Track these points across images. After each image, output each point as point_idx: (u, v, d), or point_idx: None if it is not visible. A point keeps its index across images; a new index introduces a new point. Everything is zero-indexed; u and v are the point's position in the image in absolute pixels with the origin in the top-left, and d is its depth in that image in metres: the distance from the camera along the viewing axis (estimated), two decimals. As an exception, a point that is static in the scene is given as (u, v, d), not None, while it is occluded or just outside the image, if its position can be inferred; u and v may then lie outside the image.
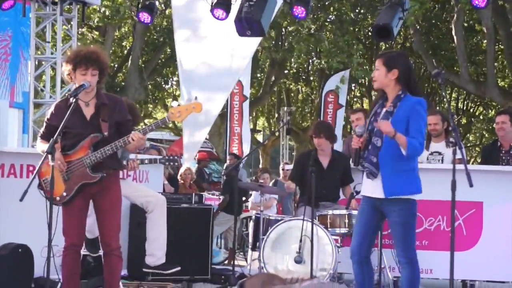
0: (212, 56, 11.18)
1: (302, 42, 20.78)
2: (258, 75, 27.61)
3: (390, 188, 5.40)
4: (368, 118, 5.65)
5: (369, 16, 22.79)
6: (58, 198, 5.54)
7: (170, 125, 32.58)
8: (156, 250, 6.73)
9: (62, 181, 5.52)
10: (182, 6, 11.30)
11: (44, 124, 5.74)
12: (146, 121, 32.29)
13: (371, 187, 5.50)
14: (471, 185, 4.95)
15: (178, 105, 5.51)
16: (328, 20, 21.04)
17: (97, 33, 22.17)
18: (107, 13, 17.98)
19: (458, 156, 5.20)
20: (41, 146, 5.61)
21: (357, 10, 23.28)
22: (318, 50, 21.36)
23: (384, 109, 5.46)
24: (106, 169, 5.59)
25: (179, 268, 6.78)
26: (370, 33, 23.82)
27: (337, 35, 20.83)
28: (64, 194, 5.54)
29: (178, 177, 12.28)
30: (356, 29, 23.57)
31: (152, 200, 6.77)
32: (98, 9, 18.64)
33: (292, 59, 23.70)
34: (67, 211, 5.58)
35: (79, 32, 20.25)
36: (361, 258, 5.55)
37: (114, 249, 5.68)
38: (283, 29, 24.52)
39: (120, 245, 5.76)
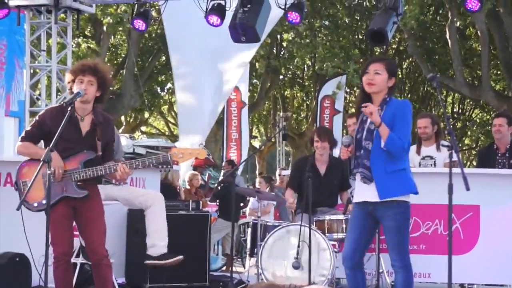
0: (208, 65, 11.17)
1: (301, 48, 20.81)
2: (254, 81, 27.64)
3: (384, 190, 5.38)
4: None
5: (365, 20, 22.86)
6: (35, 204, 5.46)
7: (167, 132, 32.66)
8: (157, 240, 6.62)
9: (43, 188, 5.40)
10: (175, 13, 11.28)
11: (34, 123, 5.63)
12: (142, 128, 32.37)
13: (365, 192, 5.46)
14: (467, 189, 4.96)
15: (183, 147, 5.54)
16: (323, 26, 21.03)
17: (93, 42, 22.17)
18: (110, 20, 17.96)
19: (454, 159, 5.22)
20: (27, 149, 5.52)
21: (354, 15, 23.35)
22: (313, 55, 21.33)
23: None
24: (88, 181, 5.54)
25: (181, 257, 6.67)
26: (365, 37, 23.89)
27: (332, 40, 20.88)
28: (43, 202, 5.41)
29: (186, 181, 12.30)
30: (351, 35, 23.60)
31: (150, 197, 6.76)
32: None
33: (291, 66, 23.67)
34: (54, 221, 5.44)
35: (75, 42, 20.26)
36: (354, 264, 5.51)
37: (102, 257, 5.62)
38: (278, 37, 24.58)
39: (107, 253, 5.70)
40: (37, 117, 5.66)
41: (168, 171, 6.99)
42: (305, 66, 26.84)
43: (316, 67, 22.31)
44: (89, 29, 22.72)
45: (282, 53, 25.08)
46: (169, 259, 6.57)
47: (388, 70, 5.44)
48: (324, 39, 21.72)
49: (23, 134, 5.68)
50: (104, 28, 19.62)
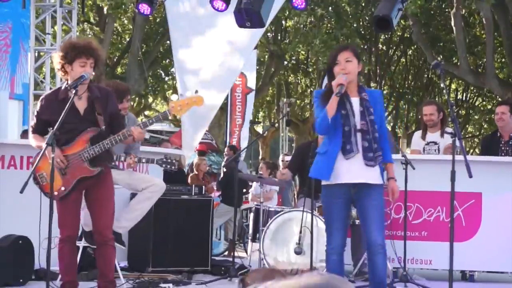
0: (212, 51, 11.15)
1: (299, 36, 20.76)
2: (257, 67, 27.63)
3: (382, 172, 5.41)
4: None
5: (370, 7, 22.79)
6: (56, 193, 5.49)
7: (170, 117, 32.70)
8: (123, 219, 6.55)
9: (60, 176, 5.48)
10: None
11: (34, 117, 5.68)
12: (146, 112, 32.37)
13: (364, 174, 5.33)
14: (470, 176, 4.98)
15: (178, 98, 5.51)
16: (326, 14, 20.94)
17: (97, 28, 22.14)
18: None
19: (457, 144, 5.22)
20: (35, 141, 5.58)
21: (359, 2, 23.27)
22: (310, 47, 21.21)
23: (356, 99, 5.40)
24: (101, 162, 5.57)
25: (123, 248, 6.69)
26: (369, 25, 23.84)
27: (335, 28, 20.84)
28: (62, 188, 5.50)
29: (193, 167, 12.33)
30: (355, 22, 23.56)
31: (153, 184, 6.78)
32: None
33: (289, 53, 23.59)
34: (62, 204, 5.54)
35: (80, 28, 20.22)
36: (342, 251, 5.49)
37: (108, 239, 5.66)
38: (283, 22, 24.52)
39: (113, 236, 5.75)
40: (35, 111, 5.70)
41: (175, 169, 6.95)
42: (310, 53, 26.78)
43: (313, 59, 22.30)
44: (93, 15, 22.69)
45: (283, 39, 24.95)
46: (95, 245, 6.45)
47: (356, 55, 5.43)
48: (326, 27, 21.65)
49: (31, 125, 5.76)
50: (105, 10, 19.49)
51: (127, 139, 5.54)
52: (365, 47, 26.18)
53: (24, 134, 11.07)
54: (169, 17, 11.45)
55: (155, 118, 5.67)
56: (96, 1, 18.97)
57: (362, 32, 25.31)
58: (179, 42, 11.36)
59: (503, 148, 8.07)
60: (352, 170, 5.33)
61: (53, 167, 5.23)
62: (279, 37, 25.55)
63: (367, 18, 24.06)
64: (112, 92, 5.75)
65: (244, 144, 19.35)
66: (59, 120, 5.25)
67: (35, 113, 5.67)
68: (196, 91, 5.64)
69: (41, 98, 5.70)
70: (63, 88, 5.56)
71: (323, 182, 5.47)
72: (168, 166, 6.57)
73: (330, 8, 20.58)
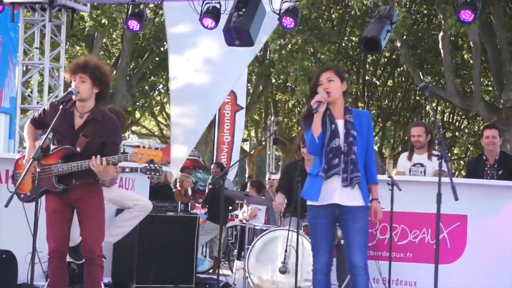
0: (203, 70, 11.19)
1: (283, 60, 20.76)
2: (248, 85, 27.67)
3: (366, 194, 5.44)
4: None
5: (356, 30, 22.93)
6: (22, 195, 5.63)
7: (157, 133, 32.63)
8: (108, 235, 6.33)
9: (30, 181, 5.57)
10: (174, 18, 11.30)
11: (39, 112, 5.75)
12: (133, 128, 32.35)
13: (343, 195, 5.38)
14: (456, 199, 4.99)
15: (143, 147, 5.60)
16: (309, 38, 20.92)
17: (83, 44, 22.12)
18: (102, 20, 17.80)
19: (443, 168, 5.24)
20: (28, 135, 5.70)
21: (347, 22, 23.39)
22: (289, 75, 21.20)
23: (341, 120, 5.43)
24: (84, 178, 5.56)
25: (75, 261, 6.56)
26: (356, 46, 23.95)
27: (319, 52, 20.94)
28: (28, 194, 5.63)
29: (178, 183, 12.31)
30: (341, 43, 23.66)
31: (140, 204, 6.78)
32: (87, 19, 18.45)
33: (273, 74, 23.58)
34: (49, 217, 5.55)
35: (69, 41, 20.18)
36: (329, 270, 5.52)
37: (96, 257, 5.62)
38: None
39: (102, 254, 5.72)
40: (42, 109, 5.75)
41: (160, 175, 6.98)
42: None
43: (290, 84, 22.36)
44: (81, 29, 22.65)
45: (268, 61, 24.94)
46: (72, 254, 6.34)
47: (339, 75, 5.48)
48: (310, 51, 21.68)
49: (32, 116, 5.86)
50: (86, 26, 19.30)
51: (87, 169, 5.51)
52: (353, 67, 26.30)
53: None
54: (167, 23, 11.49)
55: (117, 158, 5.63)
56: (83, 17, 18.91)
57: (350, 53, 25.43)
58: (175, 49, 11.41)
59: (488, 171, 8.08)
60: (330, 191, 5.41)
61: (38, 181, 5.24)
62: (266, 58, 25.58)
63: (353, 39, 24.18)
64: (115, 121, 5.73)
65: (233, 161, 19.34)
66: (50, 126, 5.33)
67: (42, 109, 5.74)
68: (159, 148, 5.78)
69: (49, 103, 5.83)
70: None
71: (309, 203, 5.51)
72: (153, 173, 6.57)
73: (311, 32, 20.59)
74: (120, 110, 7.55)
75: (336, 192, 5.39)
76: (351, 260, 5.39)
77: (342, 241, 7.18)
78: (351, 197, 5.39)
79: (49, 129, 5.34)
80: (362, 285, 5.37)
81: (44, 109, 5.68)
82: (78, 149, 5.51)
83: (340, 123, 5.42)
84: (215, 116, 18.95)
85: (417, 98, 28.27)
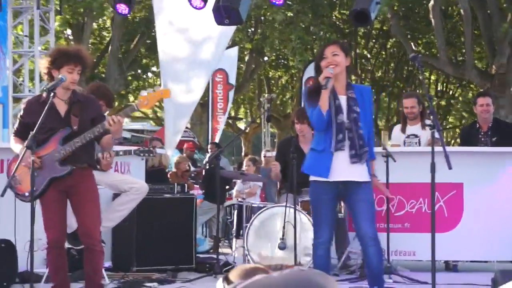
0: (190, 46, 11.17)
1: (275, 32, 20.73)
2: (239, 63, 27.62)
3: (369, 168, 5.47)
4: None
5: (347, 2, 22.84)
6: (27, 194, 5.48)
7: (151, 115, 32.60)
8: (106, 220, 6.43)
9: (29, 181, 5.37)
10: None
11: (18, 121, 5.66)
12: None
13: (352, 171, 5.38)
14: (450, 168, 5.01)
15: (147, 93, 5.55)
16: (302, 9, 20.86)
17: (69, 31, 22.04)
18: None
19: (436, 137, 5.26)
20: (16, 145, 5.55)
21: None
22: (286, 43, 21.16)
23: (343, 96, 5.44)
24: (78, 163, 5.53)
25: (74, 247, 6.56)
26: (347, 20, 23.88)
27: (312, 24, 20.84)
28: (26, 194, 5.48)
29: (174, 164, 12.32)
30: (332, 17, 23.59)
31: (136, 186, 6.77)
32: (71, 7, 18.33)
33: (266, 48, 23.53)
34: (44, 206, 5.51)
35: (58, 29, 20.09)
36: (330, 245, 5.57)
37: (96, 242, 5.60)
38: (261, 18, 24.50)
39: (101, 238, 5.71)
40: (19, 116, 5.67)
41: (154, 155, 6.97)
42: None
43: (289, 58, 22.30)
44: (71, 16, 22.55)
45: (259, 33, 24.86)
46: (70, 240, 6.31)
47: (343, 49, 5.48)
48: (303, 23, 21.65)
49: (14, 129, 5.73)
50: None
51: (98, 134, 5.49)
52: (345, 40, 26.23)
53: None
54: (155, 16, 11.47)
55: (123, 113, 5.62)
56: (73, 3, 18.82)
57: (341, 27, 25.36)
58: (162, 30, 11.39)
59: (482, 139, 8.10)
60: (338, 167, 5.38)
61: (33, 170, 5.20)
62: (258, 32, 25.51)
63: (345, 13, 24.11)
64: (95, 99, 5.76)
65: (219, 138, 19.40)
66: (39, 121, 5.23)
67: (18, 117, 5.65)
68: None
69: (23, 101, 5.70)
70: (45, 91, 5.54)
71: (312, 178, 5.50)
72: (147, 154, 6.55)
73: (305, 4, 20.53)
74: (103, 84, 7.54)
75: (344, 168, 5.37)
76: (360, 231, 5.42)
77: (340, 215, 7.25)
78: (359, 173, 5.40)
79: (40, 120, 5.22)
80: (374, 254, 5.39)
81: (21, 115, 5.60)
82: (75, 128, 5.49)
83: (343, 99, 5.42)
84: (208, 96, 18.94)
85: (410, 68, 28.23)
